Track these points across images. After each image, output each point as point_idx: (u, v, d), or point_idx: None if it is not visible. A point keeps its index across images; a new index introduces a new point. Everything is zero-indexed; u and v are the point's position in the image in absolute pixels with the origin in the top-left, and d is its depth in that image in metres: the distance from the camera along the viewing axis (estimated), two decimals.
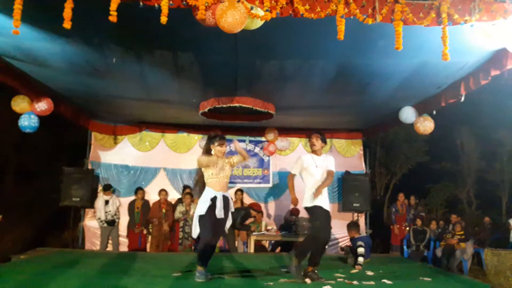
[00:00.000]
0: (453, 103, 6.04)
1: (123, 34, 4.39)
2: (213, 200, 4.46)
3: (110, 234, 8.15)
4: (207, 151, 4.61)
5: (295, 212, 8.74)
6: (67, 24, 3.37)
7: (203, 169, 4.58)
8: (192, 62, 5.10)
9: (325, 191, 4.77)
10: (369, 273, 5.16)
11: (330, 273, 5.02)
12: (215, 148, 4.57)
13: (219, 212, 4.45)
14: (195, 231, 4.55)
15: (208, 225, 4.45)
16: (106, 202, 8.09)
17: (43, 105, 6.40)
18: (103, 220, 8.02)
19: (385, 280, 4.65)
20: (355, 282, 4.54)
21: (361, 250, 5.86)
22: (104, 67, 5.31)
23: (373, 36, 4.33)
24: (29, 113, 6.38)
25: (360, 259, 5.77)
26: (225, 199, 4.56)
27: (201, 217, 4.46)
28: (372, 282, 4.57)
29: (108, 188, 8.16)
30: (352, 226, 6.56)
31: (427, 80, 5.66)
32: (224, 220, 4.57)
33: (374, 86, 5.88)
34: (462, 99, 5.65)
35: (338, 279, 4.68)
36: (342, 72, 5.33)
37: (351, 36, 3.75)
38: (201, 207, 4.47)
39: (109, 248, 8.17)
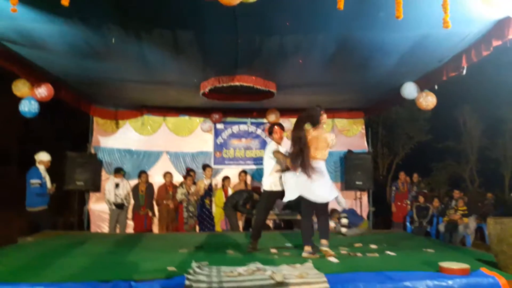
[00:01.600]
0: (455, 77, 6.01)
1: (121, 12, 4.37)
2: None
3: (118, 217, 8.21)
4: (315, 123, 4.64)
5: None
6: (64, 1, 3.35)
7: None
8: (191, 40, 5.06)
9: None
10: (373, 246, 5.20)
11: (334, 247, 5.07)
12: (323, 117, 4.66)
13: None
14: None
15: (311, 208, 4.62)
16: (117, 185, 8.13)
17: (43, 91, 6.39)
18: (113, 202, 8.07)
19: (388, 252, 4.71)
20: (359, 254, 4.60)
21: (344, 221, 6.78)
22: (103, 48, 5.29)
23: (373, 7, 4.28)
24: (29, 98, 6.38)
25: (343, 230, 6.66)
26: None
27: (305, 201, 4.55)
28: (376, 254, 4.62)
29: (118, 171, 8.20)
30: (332, 212, 7.18)
31: (428, 54, 5.62)
32: None
33: (375, 61, 5.84)
34: (464, 72, 5.60)
35: (342, 252, 4.73)
36: (343, 46, 5.29)
37: (351, 7, 3.73)
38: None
39: (117, 231, 8.25)
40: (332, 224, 7.01)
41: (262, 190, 5.10)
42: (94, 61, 5.82)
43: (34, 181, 6.68)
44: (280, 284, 3.10)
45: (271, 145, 5.02)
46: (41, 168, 6.87)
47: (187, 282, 3.11)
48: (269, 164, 4.96)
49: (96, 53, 5.48)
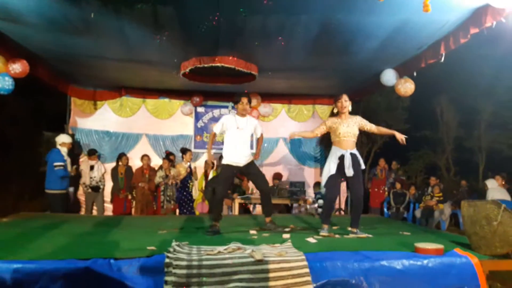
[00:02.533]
0: (433, 67, 6.14)
1: None
2: (341, 158, 4.55)
3: (95, 200, 8.12)
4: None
5: (278, 176, 8.84)
6: None
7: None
8: (172, 17, 4.96)
9: (242, 148, 4.92)
10: (351, 229, 5.27)
11: (313, 229, 5.14)
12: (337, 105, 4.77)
13: (348, 170, 4.50)
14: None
15: (335, 184, 4.65)
16: (91, 167, 8.01)
17: (18, 67, 6.20)
18: (88, 185, 7.97)
19: (366, 234, 4.78)
20: (337, 236, 4.67)
21: (320, 201, 7.16)
22: (82, 23, 5.14)
23: None
24: (3, 74, 6.18)
25: (320, 210, 7.04)
26: (353, 157, 4.62)
27: (330, 177, 4.58)
28: (353, 235, 4.71)
29: (93, 153, 8.08)
30: (316, 184, 8.28)
31: (408, 40, 5.70)
32: (356, 178, 4.60)
33: (356, 45, 5.87)
34: (442, 59, 5.70)
35: (321, 234, 4.78)
36: (325, 29, 5.28)
37: None
38: (330, 167, 4.59)
39: (94, 213, 8.16)
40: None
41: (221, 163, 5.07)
42: (72, 37, 5.66)
43: (58, 164, 6.75)
44: (260, 262, 3.13)
45: (225, 118, 5.04)
46: (63, 150, 6.95)
47: (167, 260, 3.11)
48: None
49: (74, 28, 5.33)
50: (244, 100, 4.95)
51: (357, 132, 4.73)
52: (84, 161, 8.22)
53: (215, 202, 4.95)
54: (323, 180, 4.72)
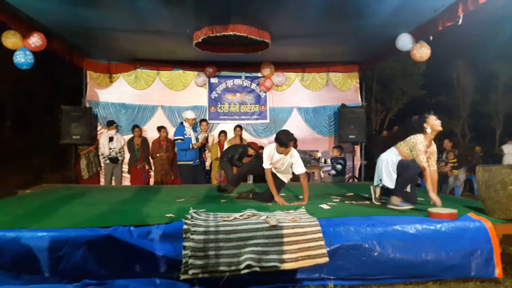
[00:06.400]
0: (449, 29, 5.95)
1: None
2: None
3: (113, 171, 8.31)
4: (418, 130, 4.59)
5: (294, 146, 8.89)
6: None
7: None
8: None
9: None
10: (365, 195, 5.36)
11: (326, 196, 5.23)
12: (432, 124, 4.63)
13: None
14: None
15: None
16: (110, 139, 8.18)
17: (37, 40, 6.26)
18: (106, 156, 8.15)
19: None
20: (354, 202, 4.75)
21: (339, 166, 7.53)
22: None
23: None
24: (23, 49, 6.25)
25: (332, 171, 7.65)
26: None
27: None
28: (367, 202, 4.78)
29: (111, 124, 8.22)
30: (337, 147, 8.01)
31: (424, 2, 5.55)
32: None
33: (370, 8, 5.71)
34: (460, 21, 5.54)
35: (334, 200, 4.87)
36: None
37: None
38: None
39: (112, 184, 8.37)
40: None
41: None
42: (85, 9, 5.67)
43: (177, 138, 7.29)
44: (274, 227, 3.22)
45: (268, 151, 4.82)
46: (186, 126, 7.35)
47: (185, 226, 3.23)
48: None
49: (87, 0, 5.34)
50: (291, 145, 4.65)
51: None
52: (103, 133, 8.36)
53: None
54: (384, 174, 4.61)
